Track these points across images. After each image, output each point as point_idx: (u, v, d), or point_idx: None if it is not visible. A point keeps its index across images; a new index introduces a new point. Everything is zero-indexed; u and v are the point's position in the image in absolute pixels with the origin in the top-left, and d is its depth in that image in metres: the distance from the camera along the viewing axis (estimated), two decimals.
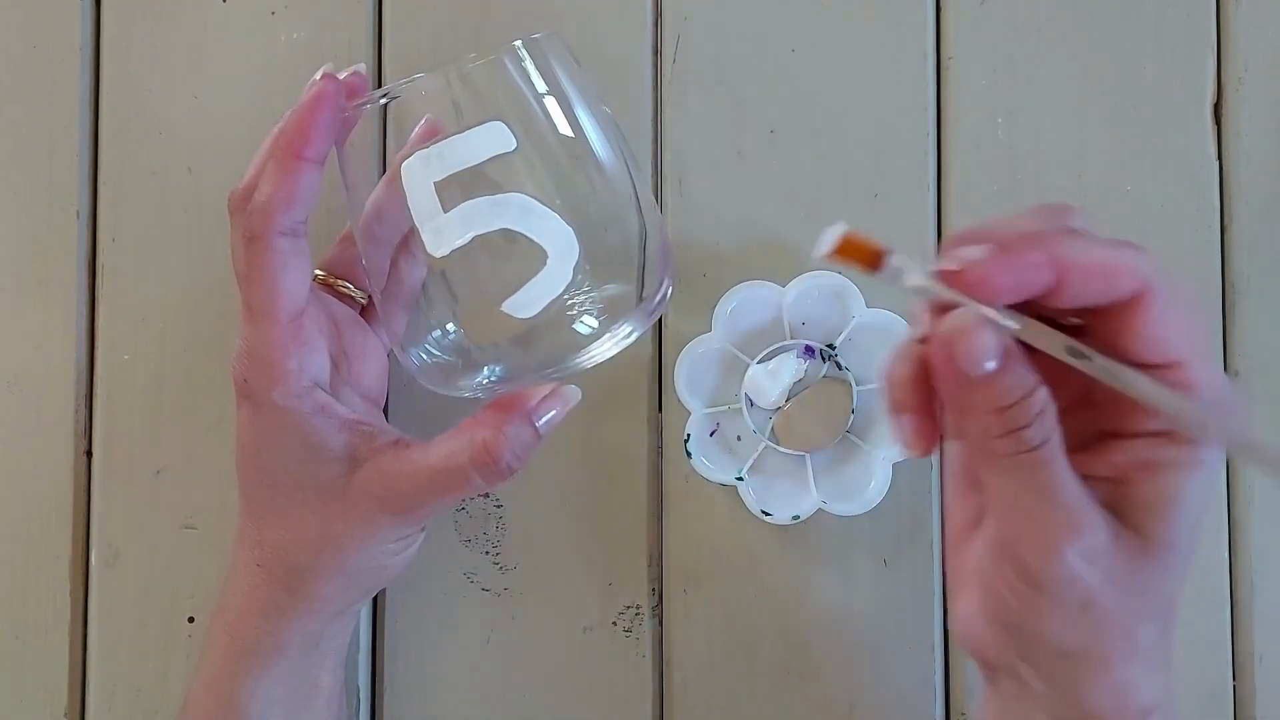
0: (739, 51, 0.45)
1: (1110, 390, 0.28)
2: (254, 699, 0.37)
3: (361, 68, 0.34)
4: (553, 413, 0.35)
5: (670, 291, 0.36)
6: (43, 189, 0.44)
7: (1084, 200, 0.44)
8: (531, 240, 0.34)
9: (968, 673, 0.43)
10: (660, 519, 0.44)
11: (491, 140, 0.34)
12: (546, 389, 0.35)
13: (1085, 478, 0.29)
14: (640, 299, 0.36)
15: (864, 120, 0.45)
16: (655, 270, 0.36)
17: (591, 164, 0.35)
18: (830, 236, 0.28)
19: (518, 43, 0.34)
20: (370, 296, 0.41)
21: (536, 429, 0.35)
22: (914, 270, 0.28)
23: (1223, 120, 0.45)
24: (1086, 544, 0.29)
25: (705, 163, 0.44)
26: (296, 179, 0.34)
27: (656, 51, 0.45)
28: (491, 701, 0.43)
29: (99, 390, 0.44)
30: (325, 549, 0.36)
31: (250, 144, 0.37)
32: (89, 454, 0.44)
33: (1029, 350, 0.28)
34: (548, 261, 0.34)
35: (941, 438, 0.31)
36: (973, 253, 0.27)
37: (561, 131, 0.34)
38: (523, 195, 0.34)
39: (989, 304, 0.28)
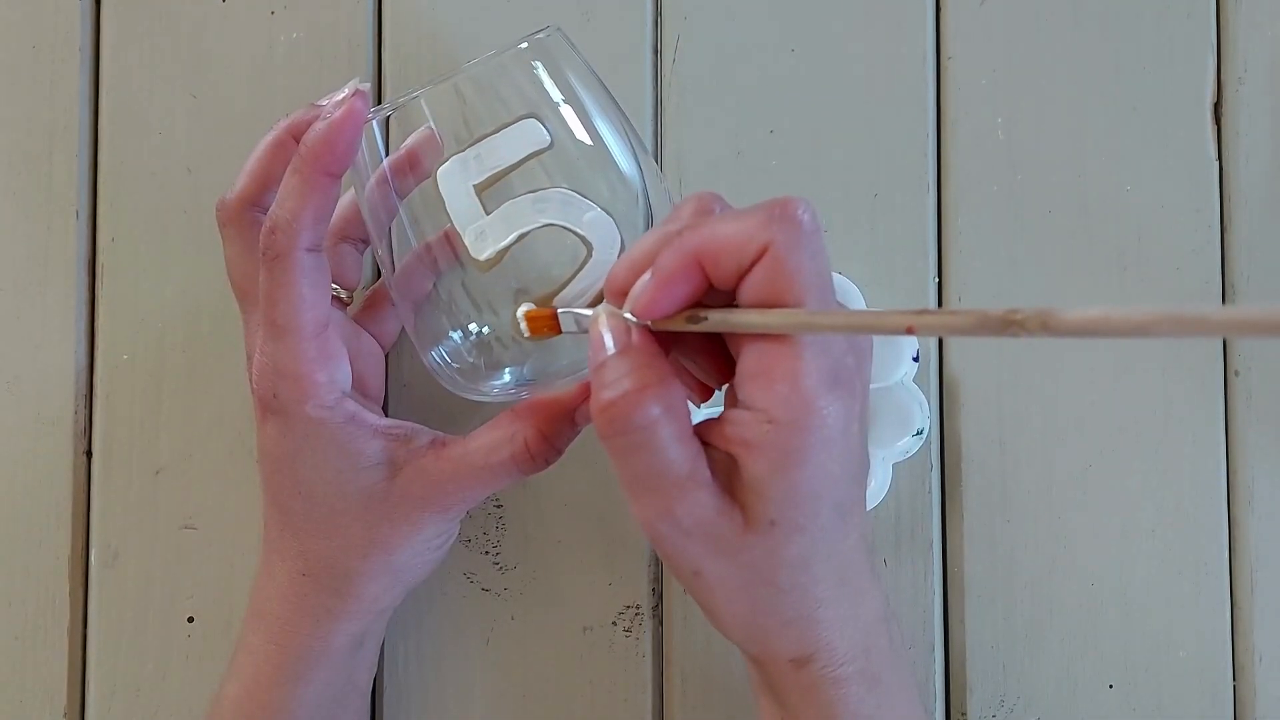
0: (739, 51, 0.45)
1: (741, 361, 0.30)
2: (302, 704, 0.37)
3: (366, 87, 0.34)
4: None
5: None
6: (43, 189, 0.44)
7: (1084, 200, 0.45)
8: (566, 234, 0.34)
9: (968, 673, 0.43)
10: None
11: (527, 138, 0.33)
12: (587, 387, 0.36)
13: (710, 448, 0.31)
14: None
15: (864, 120, 0.45)
16: None
17: (609, 166, 0.35)
18: (523, 323, 0.34)
19: (524, 46, 0.34)
20: (354, 295, 0.41)
21: (578, 427, 0.36)
22: (585, 314, 0.32)
23: (1223, 120, 0.45)
24: (679, 521, 0.30)
25: (705, 163, 0.44)
26: (325, 196, 0.33)
27: (656, 51, 0.45)
28: (491, 701, 0.43)
29: (99, 390, 0.44)
30: (373, 552, 0.36)
31: (250, 144, 0.37)
32: (89, 454, 0.44)
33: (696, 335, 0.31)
34: (593, 253, 0.34)
35: None
36: (636, 289, 0.30)
37: (577, 134, 0.34)
38: (562, 190, 0.34)
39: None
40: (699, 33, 0.45)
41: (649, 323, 0.30)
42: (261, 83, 0.45)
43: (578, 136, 0.34)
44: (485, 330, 0.35)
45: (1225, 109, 0.45)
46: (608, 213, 0.34)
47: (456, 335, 0.35)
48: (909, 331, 0.25)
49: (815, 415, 0.29)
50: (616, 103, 0.35)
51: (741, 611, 0.32)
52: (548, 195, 0.34)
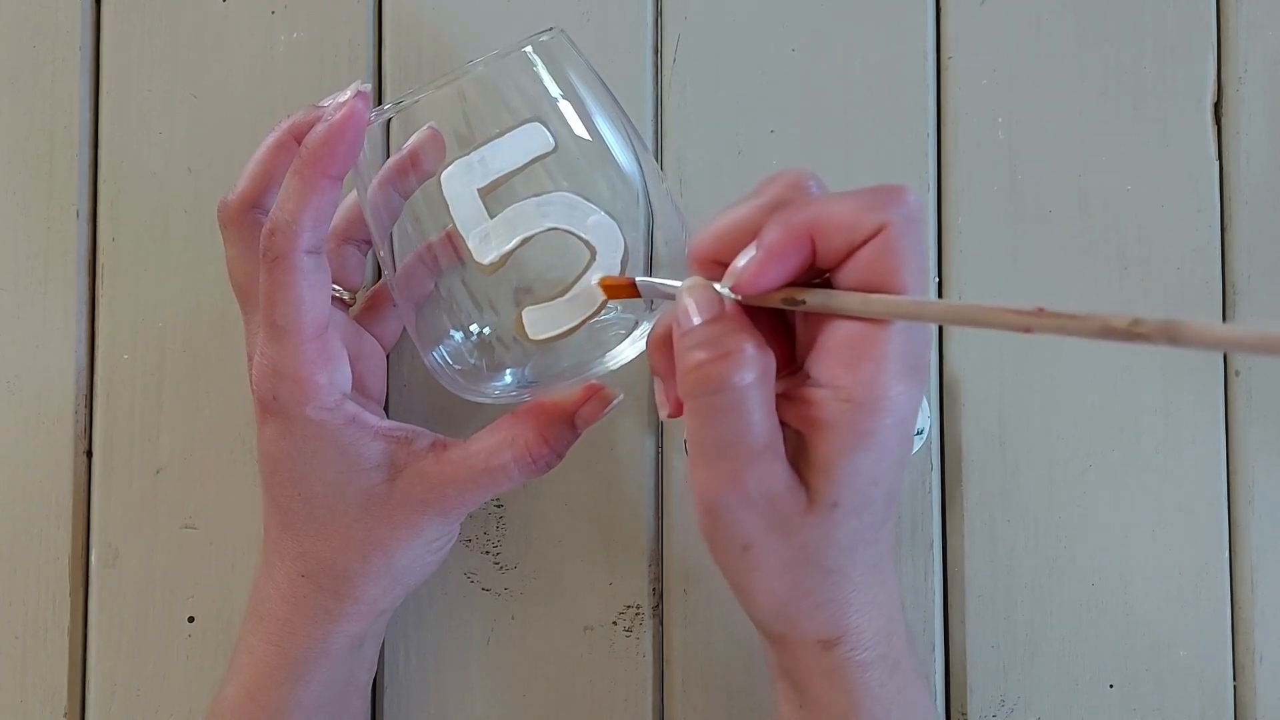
0: (739, 51, 0.45)
1: (824, 339, 0.30)
2: (300, 705, 0.37)
3: (367, 88, 0.34)
4: (597, 417, 0.36)
5: None
6: (43, 189, 0.44)
7: (1084, 200, 0.45)
8: (568, 236, 0.34)
9: (968, 673, 0.43)
10: (660, 519, 0.44)
11: (531, 142, 0.33)
12: (589, 391, 0.36)
13: (785, 425, 0.31)
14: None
15: (864, 120, 0.45)
16: (679, 266, 0.36)
17: (611, 166, 0.35)
18: (598, 290, 0.34)
19: (527, 48, 0.34)
20: (356, 296, 0.41)
21: (577, 430, 0.36)
22: (669, 285, 0.32)
23: (1223, 120, 0.45)
24: (748, 492, 0.30)
25: (705, 163, 0.44)
26: (325, 198, 0.33)
27: (656, 51, 0.45)
28: (491, 701, 0.43)
29: (99, 390, 0.44)
30: (372, 554, 0.36)
31: (250, 144, 0.37)
32: (89, 454, 0.44)
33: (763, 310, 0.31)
34: (596, 257, 0.34)
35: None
36: (740, 262, 0.30)
37: (578, 134, 0.34)
38: (567, 193, 0.34)
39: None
40: (699, 33, 0.45)
41: (739, 298, 0.30)
42: (261, 83, 0.45)
43: (578, 135, 0.34)
44: (486, 330, 0.35)
45: (1225, 109, 0.45)
46: (611, 216, 0.34)
47: (458, 336, 0.35)
48: (1026, 331, 0.25)
49: (892, 400, 0.29)
50: (618, 103, 0.35)
51: (780, 590, 0.32)
52: (551, 199, 0.34)
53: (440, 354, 0.36)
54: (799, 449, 0.31)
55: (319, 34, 0.45)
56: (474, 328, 0.35)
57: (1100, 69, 0.45)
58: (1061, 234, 0.45)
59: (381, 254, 0.36)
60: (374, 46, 0.45)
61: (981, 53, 0.45)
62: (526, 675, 0.43)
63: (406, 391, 0.44)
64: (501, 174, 0.34)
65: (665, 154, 0.45)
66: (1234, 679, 0.44)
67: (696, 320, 0.30)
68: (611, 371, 0.36)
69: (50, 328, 0.44)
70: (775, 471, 0.30)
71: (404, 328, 0.42)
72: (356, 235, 0.40)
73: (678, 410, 0.32)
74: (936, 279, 0.45)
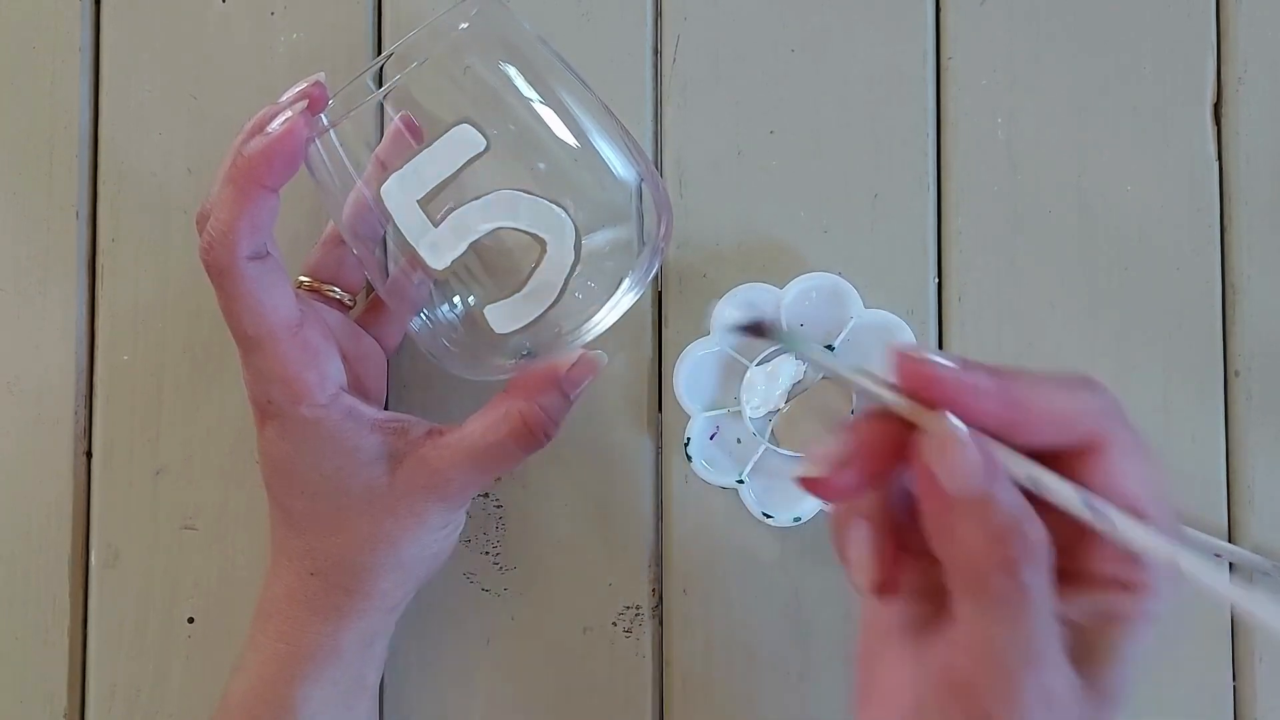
0: (739, 51, 0.45)
1: (1075, 530, 0.26)
2: (308, 703, 0.37)
3: (322, 76, 0.34)
4: (584, 380, 0.36)
5: (668, 228, 0.37)
6: (43, 189, 0.44)
7: (1084, 200, 0.45)
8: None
9: None
10: (661, 520, 0.44)
11: (462, 145, 0.33)
12: (574, 356, 0.36)
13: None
14: (641, 244, 0.36)
15: (864, 120, 0.45)
16: (652, 210, 0.36)
17: (569, 134, 0.34)
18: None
19: (458, 32, 0.33)
20: (357, 297, 0.41)
21: (569, 396, 0.36)
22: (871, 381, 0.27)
23: (1223, 120, 0.45)
24: (1049, 693, 0.26)
25: (705, 163, 0.44)
26: (260, 206, 0.33)
27: (656, 51, 0.45)
28: (491, 701, 0.43)
29: (99, 391, 0.44)
30: (380, 546, 0.36)
31: None
32: (89, 455, 0.44)
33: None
34: (547, 246, 0.34)
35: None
36: (934, 368, 0.27)
37: (528, 97, 0.34)
38: (507, 191, 0.34)
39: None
40: (699, 33, 0.45)
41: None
42: (261, 83, 0.45)
43: (529, 97, 0.34)
44: (472, 301, 0.35)
45: (1225, 109, 0.45)
46: (556, 204, 0.34)
47: (449, 315, 0.36)
48: None
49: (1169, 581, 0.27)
50: (567, 64, 0.35)
51: None
52: (492, 200, 0.34)
53: (438, 342, 0.36)
54: (1070, 640, 0.26)
55: (319, 35, 0.45)
56: (456, 300, 0.35)
57: (1100, 69, 0.45)
58: (1061, 234, 0.44)
59: (367, 267, 0.37)
60: (374, 48, 0.45)
61: (981, 53, 0.45)
62: (526, 676, 0.43)
63: (406, 392, 0.44)
64: (437, 182, 0.34)
65: (665, 154, 0.45)
66: (1234, 679, 0.44)
67: (976, 485, 0.25)
68: (610, 327, 0.36)
69: (50, 328, 0.44)
70: (1063, 671, 0.26)
71: (405, 331, 0.42)
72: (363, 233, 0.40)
73: (891, 585, 0.28)
74: (936, 279, 0.45)
